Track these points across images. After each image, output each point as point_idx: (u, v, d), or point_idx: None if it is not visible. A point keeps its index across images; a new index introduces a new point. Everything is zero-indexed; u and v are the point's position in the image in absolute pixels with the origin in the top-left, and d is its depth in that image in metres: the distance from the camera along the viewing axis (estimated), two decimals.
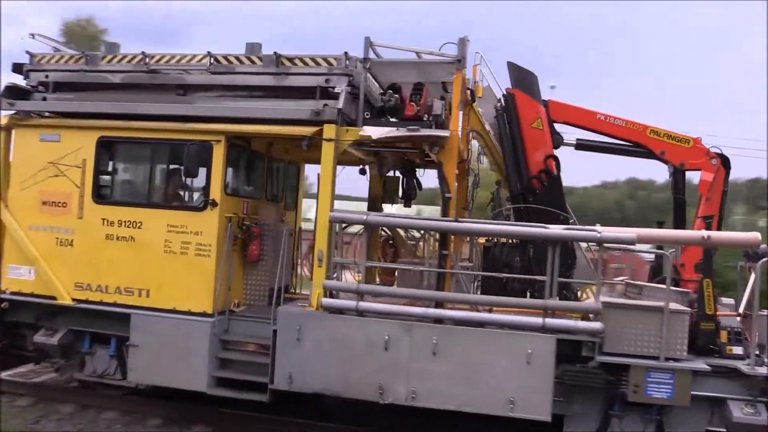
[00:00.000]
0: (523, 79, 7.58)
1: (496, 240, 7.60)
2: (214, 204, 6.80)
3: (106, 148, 7.25)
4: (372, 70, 7.12)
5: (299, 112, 6.70)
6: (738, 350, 6.13)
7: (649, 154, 7.53)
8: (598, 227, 6.01)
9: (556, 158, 7.34)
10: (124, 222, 7.02)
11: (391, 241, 9.02)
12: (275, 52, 7.04)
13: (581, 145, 7.84)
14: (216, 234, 6.79)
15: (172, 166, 7.18)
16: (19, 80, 7.80)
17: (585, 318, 6.16)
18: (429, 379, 6.17)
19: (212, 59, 7.21)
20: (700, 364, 5.88)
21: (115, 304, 7.01)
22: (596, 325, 5.89)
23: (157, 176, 7.20)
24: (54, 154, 7.28)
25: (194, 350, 6.70)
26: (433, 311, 6.24)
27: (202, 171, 7.02)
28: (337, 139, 6.56)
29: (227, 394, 6.67)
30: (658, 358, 5.87)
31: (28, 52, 7.78)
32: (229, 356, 6.84)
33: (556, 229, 6.07)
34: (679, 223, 7.44)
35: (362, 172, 9.68)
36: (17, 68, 7.83)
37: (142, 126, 7.03)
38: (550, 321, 5.97)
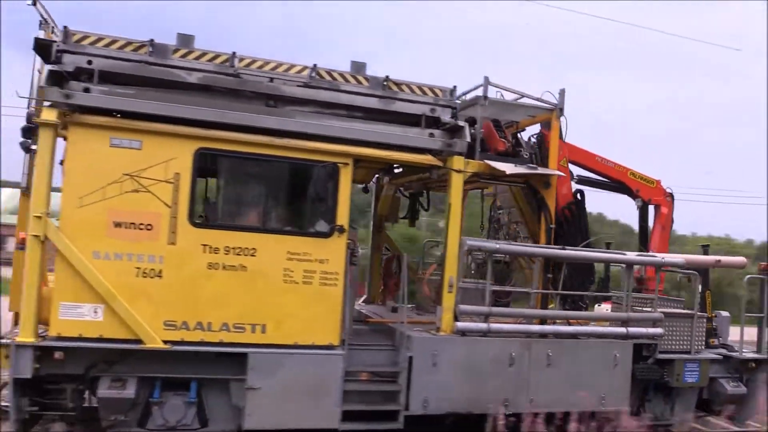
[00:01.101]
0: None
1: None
2: (342, 230, 6.46)
3: (206, 162, 6.18)
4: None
5: (431, 142, 6.83)
6: (715, 341, 8.53)
7: (628, 191, 9.58)
8: (659, 254, 7.70)
9: (581, 191, 8.83)
10: (233, 249, 6.13)
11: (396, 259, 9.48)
12: (387, 76, 6.97)
13: (580, 181, 9.51)
14: (343, 261, 6.47)
15: (292, 187, 6.51)
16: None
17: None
18: (544, 387, 7.06)
19: (314, 72, 6.74)
20: (713, 354, 8.06)
21: (222, 344, 6.09)
22: (659, 330, 7.60)
23: (274, 198, 6.44)
24: (133, 165, 5.90)
25: (325, 385, 6.31)
26: (550, 328, 7.18)
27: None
28: (465, 171, 6.93)
29: (360, 427, 6.45)
30: (689, 352, 7.85)
31: (65, 28, 6.04)
32: (349, 387, 6.58)
33: (631, 255, 7.59)
34: (644, 247, 9.68)
35: (366, 190, 9.83)
36: (43, 47, 6.00)
37: (256, 140, 6.22)
38: (632, 330, 7.46)
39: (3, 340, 5.65)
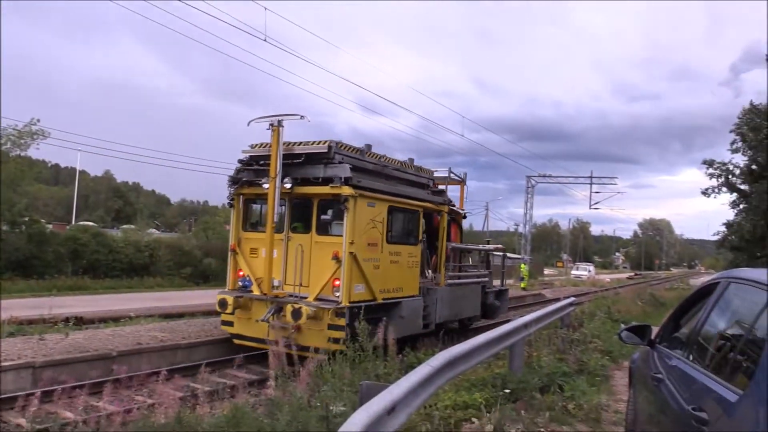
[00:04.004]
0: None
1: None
2: (421, 241, 13.88)
3: (389, 212, 12.65)
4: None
5: (441, 200, 14.77)
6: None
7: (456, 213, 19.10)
8: (489, 245, 17.60)
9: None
10: (395, 252, 12.92)
11: None
12: (420, 166, 14.52)
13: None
14: (421, 256, 13.92)
15: (408, 222, 13.45)
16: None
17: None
18: (463, 307, 16.02)
19: (400, 163, 13.81)
20: (495, 288, 18.48)
21: (393, 299, 12.82)
22: (487, 279, 17.52)
23: (405, 227, 13.26)
24: (372, 215, 12.05)
25: (418, 314, 13.71)
26: (464, 281, 16.15)
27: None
28: (448, 213, 15.16)
29: (426, 331, 14.00)
30: (491, 287, 18.04)
31: (339, 142, 11.60)
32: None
33: (483, 246, 17.25)
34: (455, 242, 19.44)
35: None
36: (329, 148, 11.46)
37: (405, 201, 13.09)
38: (482, 279, 17.13)
39: (336, 306, 11.12)
